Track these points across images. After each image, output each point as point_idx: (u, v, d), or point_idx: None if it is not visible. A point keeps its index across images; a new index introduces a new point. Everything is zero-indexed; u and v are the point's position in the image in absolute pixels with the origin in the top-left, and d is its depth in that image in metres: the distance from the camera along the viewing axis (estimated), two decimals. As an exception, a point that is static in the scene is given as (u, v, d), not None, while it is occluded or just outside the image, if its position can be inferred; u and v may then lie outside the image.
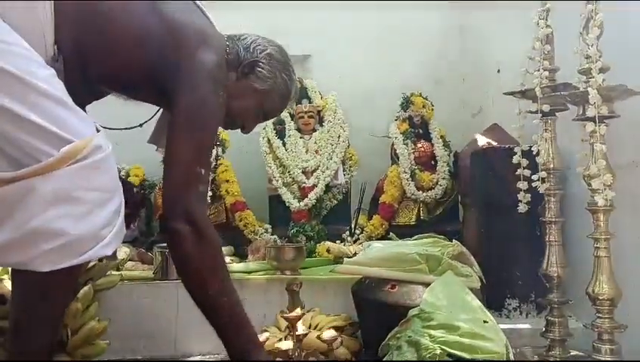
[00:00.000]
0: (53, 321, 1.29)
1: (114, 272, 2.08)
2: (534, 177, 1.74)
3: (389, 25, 3.14)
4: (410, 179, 2.72)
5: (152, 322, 2.12)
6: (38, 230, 1.07)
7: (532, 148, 1.79)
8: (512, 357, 1.47)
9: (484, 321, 1.50)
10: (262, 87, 1.47)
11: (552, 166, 1.74)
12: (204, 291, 1.37)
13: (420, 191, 2.71)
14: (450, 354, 1.42)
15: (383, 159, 2.92)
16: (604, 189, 1.43)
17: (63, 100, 1.16)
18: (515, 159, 1.80)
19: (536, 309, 2.03)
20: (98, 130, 1.20)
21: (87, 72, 1.32)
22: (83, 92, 1.32)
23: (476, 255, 2.07)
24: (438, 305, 1.58)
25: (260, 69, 1.46)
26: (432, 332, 1.47)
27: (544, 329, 1.77)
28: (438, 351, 1.41)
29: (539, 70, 1.73)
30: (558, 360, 1.65)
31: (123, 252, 2.38)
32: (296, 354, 1.58)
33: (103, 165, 1.15)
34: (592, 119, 1.45)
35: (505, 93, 1.81)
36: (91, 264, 1.95)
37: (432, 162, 2.80)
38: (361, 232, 2.66)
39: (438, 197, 2.72)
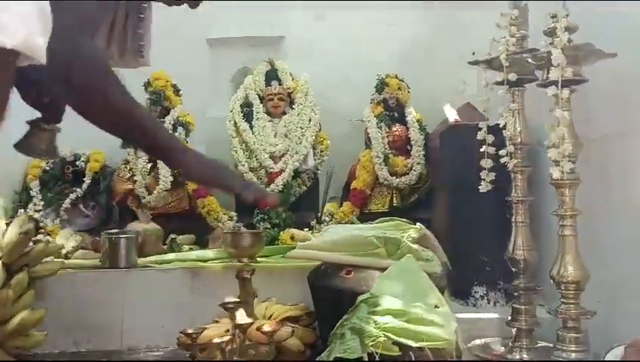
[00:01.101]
0: None
1: (55, 259, 1.95)
2: (502, 152, 1.60)
3: (367, 6, 2.99)
4: (384, 163, 2.58)
5: (98, 313, 1.99)
6: None
7: (499, 123, 1.65)
8: (461, 345, 1.32)
9: (436, 306, 1.36)
10: None
11: (519, 140, 1.60)
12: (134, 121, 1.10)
13: (394, 177, 2.57)
14: (395, 342, 1.27)
15: (358, 144, 2.79)
16: (562, 160, 1.28)
17: None
18: (480, 135, 1.66)
19: (504, 297, 1.87)
20: None
21: None
22: None
23: (445, 240, 1.94)
24: (390, 290, 1.44)
25: None
26: (378, 318, 1.33)
27: (510, 317, 1.62)
28: (382, 339, 1.27)
29: (505, 37, 1.58)
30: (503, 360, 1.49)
31: (73, 240, 2.25)
32: (234, 345, 1.44)
33: None
34: (555, 83, 1.30)
35: (469, 63, 1.67)
36: (27, 249, 1.83)
37: (408, 147, 2.65)
38: (331, 219, 2.52)
39: (413, 183, 2.58)
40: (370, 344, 1.28)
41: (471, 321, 1.83)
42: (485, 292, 1.90)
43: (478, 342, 1.70)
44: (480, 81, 1.75)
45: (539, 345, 1.60)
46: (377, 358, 1.25)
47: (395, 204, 2.57)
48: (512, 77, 1.53)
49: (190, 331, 1.46)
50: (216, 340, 1.39)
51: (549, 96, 1.32)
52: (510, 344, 1.62)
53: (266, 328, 1.47)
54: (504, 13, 1.59)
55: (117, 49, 1.35)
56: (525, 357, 1.57)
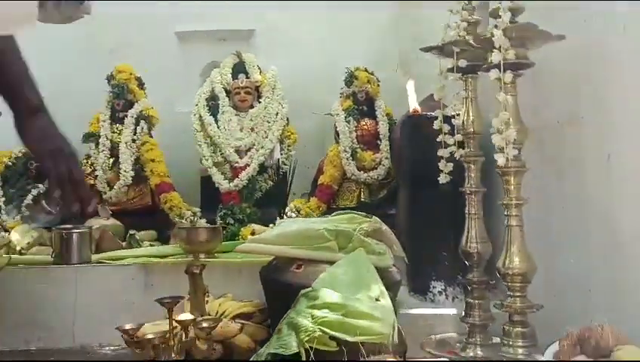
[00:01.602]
0: None
1: (4, 255, 1.90)
2: (450, 141, 1.54)
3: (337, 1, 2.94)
4: (351, 158, 2.53)
5: (49, 310, 1.93)
6: None
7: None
8: (400, 338, 1.27)
9: (377, 299, 1.31)
10: None
11: (471, 129, 1.54)
12: None
13: (362, 172, 2.52)
14: (332, 336, 1.22)
15: (328, 139, 2.74)
16: (507, 146, 1.23)
17: None
18: (436, 124, 1.61)
19: (463, 293, 1.81)
20: None
21: None
22: None
23: (405, 235, 1.89)
24: (332, 283, 1.39)
25: None
26: (315, 312, 1.27)
27: (464, 313, 1.56)
28: (317, 334, 1.22)
29: (457, 22, 1.53)
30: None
31: (29, 236, 2.19)
32: (171, 342, 1.38)
33: None
34: (498, 66, 1.25)
35: (421, 49, 1.61)
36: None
37: (377, 141, 2.61)
38: (297, 215, 2.46)
39: (381, 178, 2.53)
40: (306, 339, 1.23)
41: (429, 317, 1.78)
42: (444, 287, 1.85)
43: (432, 337, 1.65)
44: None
45: (493, 341, 1.54)
46: (312, 354, 1.20)
47: (363, 200, 2.53)
48: (462, 63, 1.48)
49: (127, 327, 1.40)
50: (150, 336, 1.33)
51: (492, 79, 1.27)
52: (464, 340, 1.57)
53: (205, 324, 1.41)
54: (456, -2, 1.54)
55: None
56: (479, 353, 1.52)
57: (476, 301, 1.54)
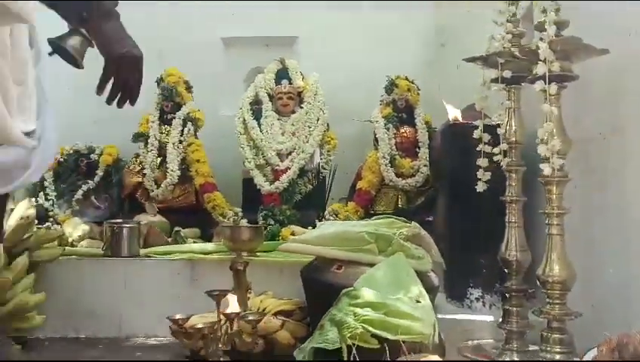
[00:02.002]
0: None
1: (58, 246, 2.00)
2: (495, 150, 1.57)
3: (379, 7, 2.99)
4: (390, 165, 2.57)
5: (98, 300, 2.03)
6: None
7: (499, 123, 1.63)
8: (440, 340, 1.31)
9: (417, 301, 1.35)
10: None
11: (513, 139, 1.58)
12: None
13: (400, 178, 2.56)
14: (373, 334, 1.27)
15: (367, 144, 2.78)
16: (552, 156, 1.26)
17: None
18: (476, 134, 1.64)
19: (500, 300, 1.84)
20: None
21: None
22: None
23: (444, 241, 1.92)
24: (373, 283, 1.43)
25: None
26: (358, 310, 1.32)
27: (501, 320, 1.59)
28: (359, 330, 1.27)
29: (501, 34, 1.57)
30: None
31: (80, 229, 2.30)
32: (219, 333, 1.45)
33: None
34: (543, 77, 1.29)
35: (464, 60, 1.65)
36: (28, 234, 1.88)
37: (416, 149, 2.64)
38: (335, 218, 2.51)
39: (419, 185, 2.57)
40: (349, 335, 1.28)
41: (465, 323, 1.81)
42: (481, 294, 1.87)
43: (469, 343, 1.68)
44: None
45: (530, 348, 1.57)
46: (354, 350, 1.24)
47: (400, 206, 2.56)
48: (507, 74, 1.52)
49: (177, 317, 1.48)
50: (200, 326, 1.40)
51: (537, 90, 1.30)
52: (501, 346, 1.59)
53: (251, 317, 1.47)
54: (502, 11, 1.58)
55: None
56: (516, 359, 1.54)
57: (514, 308, 1.57)
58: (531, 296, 1.64)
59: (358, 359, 1.19)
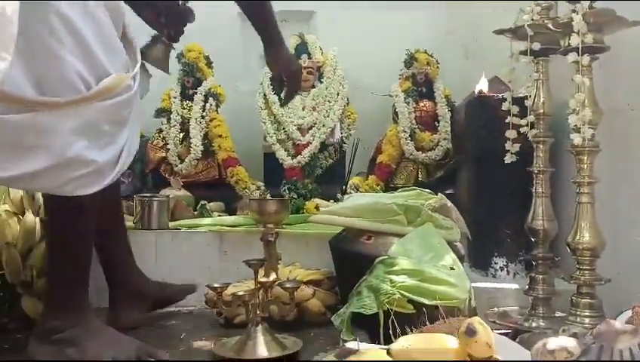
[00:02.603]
0: (82, 246, 1.40)
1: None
2: (522, 122, 1.61)
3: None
4: (410, 138, 2.61)
5: (130, 271, 2.08)
6: (71, 159, 1.16)
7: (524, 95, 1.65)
8: (473, 304, 1.36)
9: (451, 268, 1.40)
10: None
11: (541, 111, 1.60)
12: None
13: (420, 152, 2.60)
14: (409, 300, 1.32)
15: (386, 119, 2.81)
16: (583, 126, 1.29)
17: (109, 32, 1.25)
18: (505, 106, 1.67)
19: (524, 269, 1.89)
20: (129, 69, 1.31)
21: None
22: None
23: (467, 212, 1.96)
24: (406, 252, 1.48)
25: None
26: (394, 277, 1.37)
27: (527, 287, 1.64)
28: (397, 296, 1.32)
29: (530, 6, 1.59)
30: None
31: (109, 203, 2.34)
32: (257, 300, 1.50)
33: (129, 102, 1.27)
34: (576, 49, 1.31)
35: (494, 32, 1.67)
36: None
37: (435, 122, 2.68)
38: (356, 192, 2.55)
39: (439, 158, 2.60)
40: (386, 301, 1.33)
41: (490, 291, 1.86)
42: (505, 263, 1.92)
43: (495, 309, 1.73)
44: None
45: (556, 314, 1.61)
46: (392, 315, 1.29)
47: (420, 179, 2.60)
48: (536, 46, 1.54)
49: (216, 285, 1.53)
50: (241, 293, 1.45)
51: (570, 62, 1.33)
52: (527, 312, 1.64)
53: (288, 285, 1.52)
54: (531, -17, 1.59)
55: None
56: (542, 324, 1.59)
57: (540, 276, 1.61)
58: (555, 264, 1.68)
59: (397, 323, 1.23)
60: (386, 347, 1.13)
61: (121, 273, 1.75)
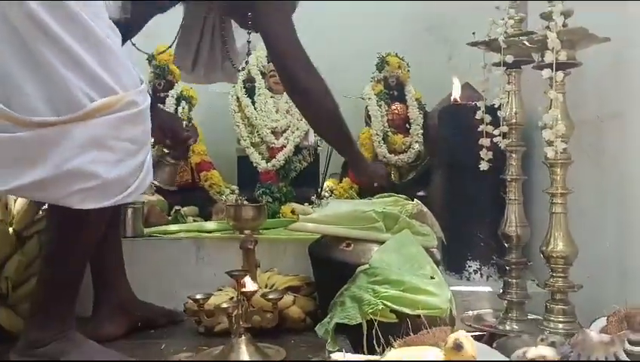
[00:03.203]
0: (82, 259, 1.42)
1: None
2: (495, 132, 1.65)
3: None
4: (382, 141, 2.65)
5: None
6: (75, 171, 1.17)
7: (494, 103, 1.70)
8: (454, 313, 1.40)
9: (431, 277, 1.44)
10: None
11: (514, 121, 1.66)
12: (336, 123, 1.79)
13: (392, 155, 2.64)
14: (393, 310, 1.35)
15: (359, 122, 2.84)
16: (556, 140, 1.34)
17: (117, 50, 1.27)
18: (479, 115, 1.72)
19: (497, 272, 1.96)
20: (142, 82, 1.31)
21: None
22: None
23: (440, 216, 2.00)
24: (387, 261, 1.51)
25: None
26: (377, 287, 1.40)
27: (501, 291, 1.70)
28: (380, 307, 1.35)
29: (503, 19, 1.63)
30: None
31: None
32: (240, 311, 1.51)
33: (136, 119, 1.26)
34: (550, 65, 1.36)
35: (468, 44, 1.72)
36: (38, 216, 1.89)
37: (407, 125, 2.72)
38: (330, 195, 2.59)
39: (411, 160, 2.66)
40: (369, 311, 1.36)
41: (464, 294, 1.92)
42: (479, 266, 1.98)
43: (470, 313, 1.78)
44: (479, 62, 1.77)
45: (529, 317, 1.68)
46: (376, 325, 1.32)
47: (393, 181, 2.64)
48: (509, 59, 1.58)
49: (198, 297, 1.53)
50: (225, 305, 1.46)
51: (544, 78, 1.37)
52: (501, 315, 1.70)
53: (272, 296, 1.54)
54: (504, -4, 1.64)
55: (205, 64, 1.90)
56: (516, 327, 1.65)
57: (514, 280, 1.67)
58: (526, 268, 1.75)
59: (380, 333, 1.26)
60: (373, 358, 1.16)
61: (109, 288, 1.74)
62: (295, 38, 1.71)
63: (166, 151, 1.64)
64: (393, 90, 2.75)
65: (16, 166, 1.16)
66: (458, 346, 1.01)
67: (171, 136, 1.66)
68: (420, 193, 2.47)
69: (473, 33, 2.70)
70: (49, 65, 1.17)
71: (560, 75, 1.36)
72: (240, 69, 1.89)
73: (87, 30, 1.21)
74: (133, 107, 1.25)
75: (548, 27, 1.40)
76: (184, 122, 1.73)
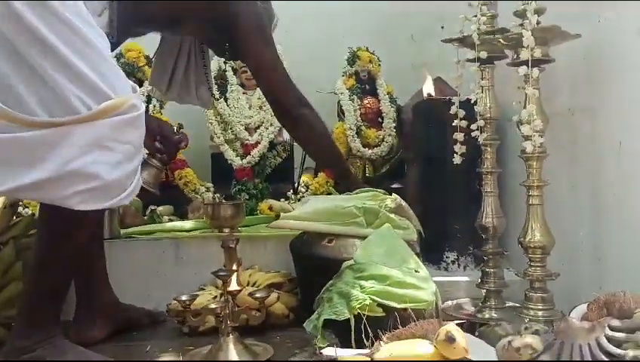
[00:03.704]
0: (75, 261, 1.43)
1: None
2: (473, 127, 1.69)
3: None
4: (356, 135, 2.67)
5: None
6: (75, 171, 1.18)
7: (469, 98, 1.74)
8: (440, 305, 1.44)
9: (416, 271, 1.47)
10: None
11: (489, 115, 1.70)
12: (326, 144, 1.95)
13: (366, 149, 2.67)
14: (380, 304, 1.38)
15: (332, 116, 2.86)
16: (534, 135, 1.39)
17: (107, 56, 1.28)
18: (453, 110, 1.75)
19: (474, 262, 2.02)
20: (135, 90, 1.33)
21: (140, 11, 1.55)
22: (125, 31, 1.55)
23: (416, 209, 2.05)
24: (371, 256, 1.54)
25: None
26: (363, 282, 1.43)
27: (480, 280, 1.75)
28: (368, 302, 1.37)
29: (476, 16, 1.67)
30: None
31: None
32: (227, 311, 1.52)
33: (136, 123, 1.28)
34: (526, 62, 1.40)
35: (443, 41, 1.75)
36: (13, 222, 1.85)
37: (379, 119, 2.76)
38: (306, 190, 2.60)
39: (384, 154, 2.69)
40: (357, 306, 1.38)
41: (443, 284, 1.95)
42: (456, 257, 2.03)
43: (449, 303, 1.83)
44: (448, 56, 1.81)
45: (507, 305, 1.73)
46: (364, 319, 1.35)
47: (367, 175, 2.68)
48: (483, 55, 1.62)
49: (183, 298, 1.53)
50: (213, 306, 1.47)
51: (520, 75, 1.42)
52: (480, 304, 1.75)
53: (259, 294, 1.55)
54: (477, -7, 1.67)
55: (179, 88, 1.98)
56: (494, 315, 1.70)
57: (491, 269, 1.72)
58: (503, 257, 1.80)
59: (368, 328, 1.29)
60: (364, 352, 1.19)
61: (91, 292, 1.74)
62: (283, 70, 1.84)
63: (158, 155, 1.65)
64: (365, 85, 2.78)
65: (16, 166, 1.16)
66: (450, 338, 1.05)
67: (162, 140, 1.66)
68: (395, 185, 2.51)
69: (442, 27, 2.77)
70: (41, 68, 1.17)
71: (536, 71, 1.40)
72: (217, 98, 2.03)
73: (78, 34, 1.20)
74: (135, 110, 1.27)
75: (522, 25, 1.44)
76: (174, 127, 1.73)
